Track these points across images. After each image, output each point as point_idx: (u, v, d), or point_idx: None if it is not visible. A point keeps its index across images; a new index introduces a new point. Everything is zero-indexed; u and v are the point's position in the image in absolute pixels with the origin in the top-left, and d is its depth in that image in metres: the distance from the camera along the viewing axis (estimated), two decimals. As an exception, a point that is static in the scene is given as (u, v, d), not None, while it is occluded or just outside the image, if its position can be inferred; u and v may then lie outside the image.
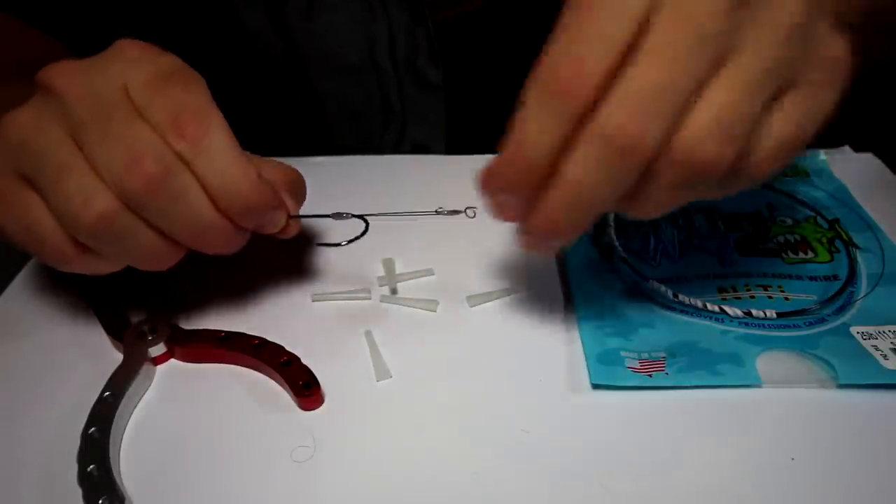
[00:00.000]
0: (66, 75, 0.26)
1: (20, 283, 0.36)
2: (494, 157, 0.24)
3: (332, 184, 0.42)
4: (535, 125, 0.23)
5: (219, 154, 0.26)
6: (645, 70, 0.21)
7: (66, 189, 0.25)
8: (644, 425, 0.28)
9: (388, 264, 0.36)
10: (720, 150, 0.22)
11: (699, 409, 0.28)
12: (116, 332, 0.31)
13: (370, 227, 0.33)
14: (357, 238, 0.32)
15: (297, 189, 0.31)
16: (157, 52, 0.27)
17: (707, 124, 0.22)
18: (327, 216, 0.32)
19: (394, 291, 0.35)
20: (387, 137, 0.50)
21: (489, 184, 0.25)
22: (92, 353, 0.31)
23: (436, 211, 0.34)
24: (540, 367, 0.30)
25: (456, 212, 0.34)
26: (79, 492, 0.25)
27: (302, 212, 0.31)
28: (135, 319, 0.32)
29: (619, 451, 0.27)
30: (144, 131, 0.26)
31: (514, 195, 0.25)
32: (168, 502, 0.26)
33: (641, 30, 0.21)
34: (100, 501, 0.24)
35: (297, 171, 0.32)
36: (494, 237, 0.37)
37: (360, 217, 0.33)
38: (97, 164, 0.25)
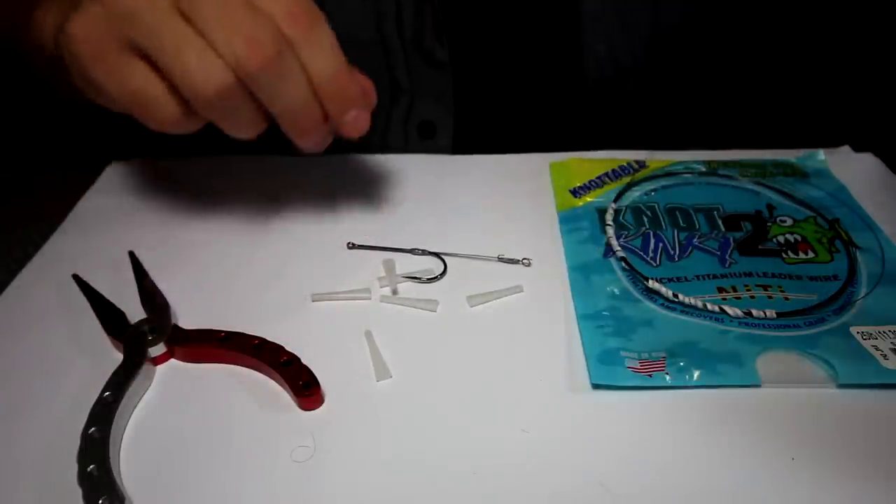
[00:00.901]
0: None
1: (20, 283, 0.36)
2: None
3: (334, 184, 0.42)
4: None
5: (325, 44, 0.30)
6: None
7: (187, 63, 0.27)
8: (644, 425, 0.28)
9: (388, 264, 0.36)
10: None
11: (699, 409, 0.28)
12: (116, 332, 0.31)
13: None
14: (438, 277, 0.36)
15: (372, 100, 0.34)
16: None
17: None
18: (406, 251, 0.37)
19: (394, 292, 0.35)
20: (395, 114, 0.50)
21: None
22: (92, 353, 0.31)
23: (497, 258, 0.36)
24: (540, 367, 0.30)
25: (514, 260, 0.36)
26: (79, 492, 0.25)
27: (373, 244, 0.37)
28: (135, 319, 0.32)
29: (619, 451, 0.27)
30: (261, 16, 0.28)
31: None
32: (168, 502, 0.26)
33: None
34: (100, 501, 0.24)
35: (371, 84, 0.34)
36: (495, 238, 0.38)
37: (438, 255, 0.36)
38: (215, 41, 0.27)
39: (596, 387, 0.29)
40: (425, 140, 0.50)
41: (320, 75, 0.30)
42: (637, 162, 0.42)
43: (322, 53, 0.30)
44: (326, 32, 0.30)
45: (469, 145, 0.47)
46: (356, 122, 0.32)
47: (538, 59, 0.48)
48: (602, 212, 0.38)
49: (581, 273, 0.35)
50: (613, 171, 0.42)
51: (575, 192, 0.40)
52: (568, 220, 0.39)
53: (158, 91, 0.29)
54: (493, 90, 0.49)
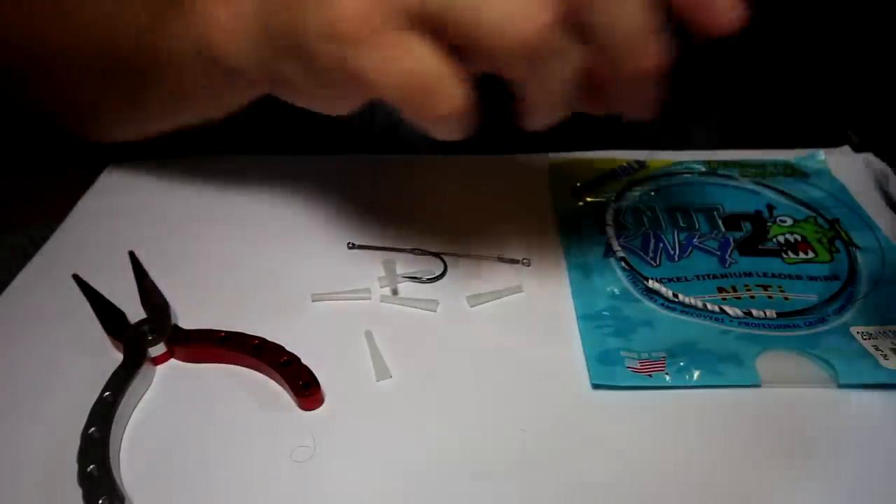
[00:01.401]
0: None
1: (20, 282, 0.36)
2: None
3: (334, 184, 0.42)
4: None
5: None
6: None
7: (492, 6, 0.23)
8: (644, 425, 0.28)
9: (389, 264, 0.36)
10: None
11: (699, 409, 0.28)
12: (116, 332, 0.31)
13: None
14: (438, 277, 0.35)
15: None
16: None
17: None
18: (406, 251, 0.36)
19: (394, 292, 0.35)
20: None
21: None
22: (92, 353, 0.31)
23: (497, 258, 0.36)
24: (540, 367, 0.30)
25: (514, 261, 0.36)
26: (79, 492, 0.25)
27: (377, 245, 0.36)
28: (135, 319, 0.32)
29: (618, 451, 0.27)
30: None
31: None
32: (168, 502, 0.26)
33: None
34: (100, 501, 0.24)
35: None
36: (495, 238, 0.38)
37: (438, 255, 0.36)
38: None
39: (596, 387, 0.29)
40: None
41: None
42: (637, 162, 0.42)
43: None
44: None
45: (469, 144, 0.47)
46: (718, 19, 0.24)
47: None
48: (602, 212, 0.38)
49: (581, 273, 0.35)
50: (613, 171, 0.42)
51: (575, 192, 0.40)
52: (568, 220, 0.39)
53: (444, 69, 0.24)
54: (491, 89, 0.49)
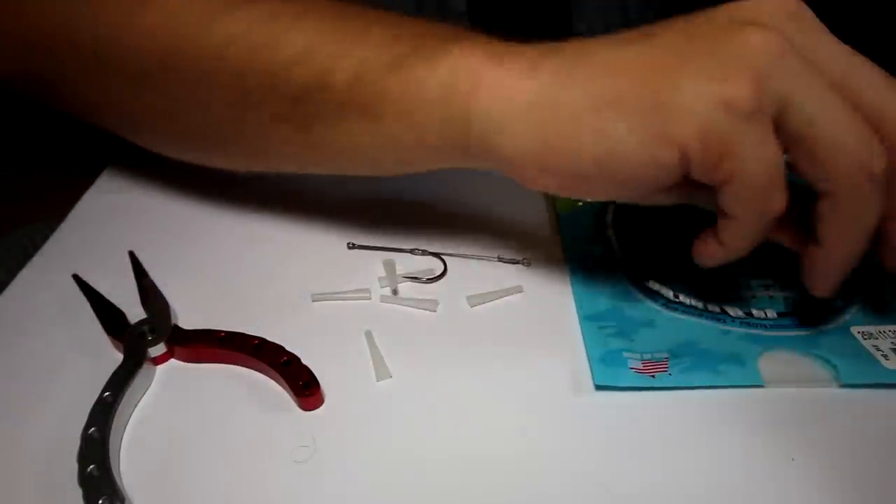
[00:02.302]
0: None
1: (20, 282, 0.36)
2: None
3: (334, 184, 0.42)
4: None
5: None
6: None
7: (847, 141, 0.24)
8: (644, 425, 0.28)
9: (389, 264, 0.36)
10: None
11: (700, 410, 0.28)
12: (116, 332, 0.31)
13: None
14: (438, 277, 0.35)
15: None
16: None
17: None
18: (406, 251, 0.36)
19: (394, 292, 0.35)
20: None
21: None
22: (92, 353, 0.31)
23: (497, 258, 0.36)
24: (540, 367, 0.30)
25: (514, 261, 0.36)
26: (79, 492, 0.25)
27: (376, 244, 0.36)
28: (135, 319, 0.32)
29: (619, 452, 0.27)
30: None
31: None
32: (168, 502, 0.26)
33: None
34: (100, 501, 0.24)
35: None
36: (495, 238, 0.38)
37: (438, 255, 0.36)
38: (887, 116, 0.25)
39: (598, 388, 0.29)
40: None
41: None
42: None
43: None
44: None
45: None
46: None
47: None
48: (602, 212, 0.38)
49: (581, 273, 0.35)
50: (614, 171, 0.42)
51: (575, 192, 0.40)
52: (568, 220, 0.39)
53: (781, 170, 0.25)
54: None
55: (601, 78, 0.26)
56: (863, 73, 0.25)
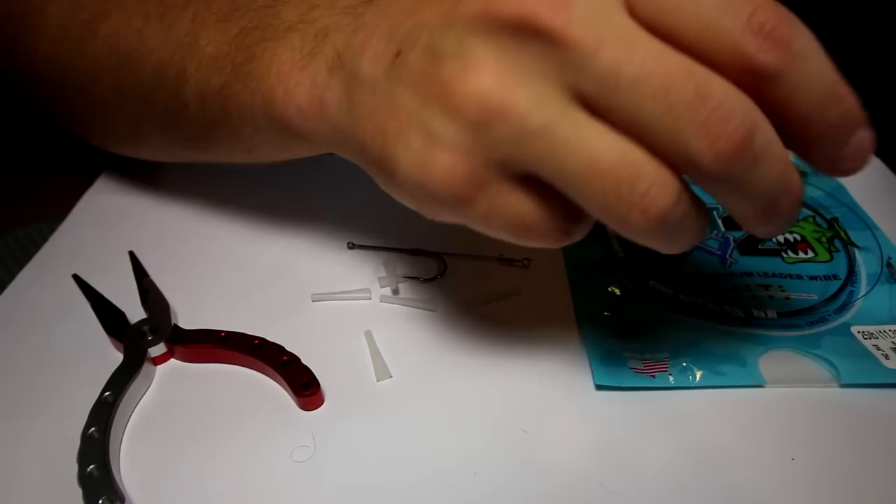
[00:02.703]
0: (560, 8, 0.18)
1: (20, 282, 0.36)
2: None
3: (334, 184, 0.42)
4: None
5: (812, 58, 0.19)
6: None
7: (608, 190, 0.19)
8: (644, 425, 0.28)
9: (389, 264, 0.36)
10: None
11: (700, 409, 0.28)
12: (116, 332, 0.31)
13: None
14: (437, 277, 0.35)
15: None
16: None
17: None
18: (406, 251, 0.36)
19: (394, 292, 0.35)
20: None
21: None
22: (92, 353, 0.31)
23: (497, 258, 0.36)
24: (540, 367, 0.30)
25: (514, 261, 0.36)
26: (79, 492, 0.25)
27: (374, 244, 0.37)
28: (135, 319, 0.32)
29: (619, 452, 0.27)
30: (715, 79, 0.18)
31: None
32: (168, 502, 0.26)
33: None
34: (100, 501, 0.24)
35: None
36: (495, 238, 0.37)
37: (438, 255, 0.36)
38: (658, 138, 0.19)
39: (599, 388, 0.29)
40: None
41: (813, 105, 0.19)
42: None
43: (812, 74, 0.19)
44: (806, 36, 0.19)
45: None
46: (861, 146, 0.20)
47: None
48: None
49: (581, 273, 0.35)
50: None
51: (575, 192, 0.40)
52: (568, 219, 0.39)
53: (544, 215, 0.22)
54: None
55: None
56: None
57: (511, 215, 0.22)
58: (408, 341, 0.32)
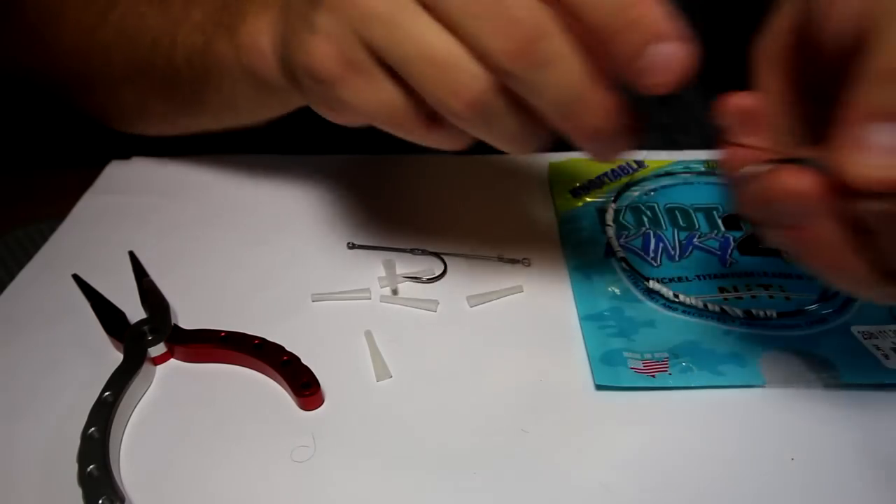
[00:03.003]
0: None
1: (20, 282, 0.36)
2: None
3: (334, 184, 0.42)
4: None
5: None
6: None
7: (429, 75, 0.23)
8: (645, 425, 0.28)
9: (389, 264, 0.36)
10: None
11: (700, 409, 0.28)
12: (116, 332, 0.31)
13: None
14: (438, 277, 0.35)
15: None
16: None
17: None
18: (406, 251, 0.36)
19: (394, 292, 0.35)
20: None
21: None
22: (92, 353, 0.31)
23: (497, 258, 0.36)
24: (540, 368, 0.30)
25: (514, 260, 0.36)
26: (79, 492, 0.25)
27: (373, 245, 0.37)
28: (135, 319, 0.32)
29: (619, 452, 0.27)
30: None
31: None
32: (168, 502, 0.26)
33: None
34: (100, 501, 0.24)
35: None
36: (495, 238, 0.38)
37: (438, 255, 0.36)
38: (466, 36, 0.23)
39: (599, 388, 0.29)
40: None
41: (600, 10, 0.22)
42: (636, 162, 0.42)
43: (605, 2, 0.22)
44: None
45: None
46: (667, 58, 0.22)
47: None
48: (602, 212, 0.38)
49: (581, 273, 0.35)
50: (613, 171, 0.42)
51: (575, 193, 0.40)
52: (568, 220, 0.39)
53: (407, 103, 0.25)
54: None
55: None
56: None
57: (379, 98, 0.25)
58: (408, 341, 0.32)
